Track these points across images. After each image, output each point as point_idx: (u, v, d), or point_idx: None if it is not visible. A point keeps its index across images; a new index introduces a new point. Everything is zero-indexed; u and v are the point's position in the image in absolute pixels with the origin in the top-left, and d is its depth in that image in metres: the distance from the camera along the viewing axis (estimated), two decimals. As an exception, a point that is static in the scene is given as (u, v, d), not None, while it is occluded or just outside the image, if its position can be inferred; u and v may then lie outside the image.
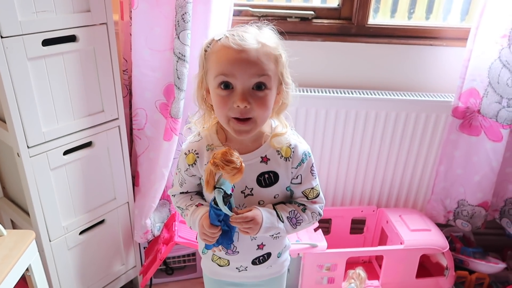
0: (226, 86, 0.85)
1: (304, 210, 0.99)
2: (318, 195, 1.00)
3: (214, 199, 0.87)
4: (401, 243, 1.62)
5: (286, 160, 0.95)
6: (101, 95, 1.37)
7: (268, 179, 0.95)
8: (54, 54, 1.22)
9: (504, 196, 1.81)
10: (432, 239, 1.63)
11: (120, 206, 1.57)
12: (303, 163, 0.96)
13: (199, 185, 1.03)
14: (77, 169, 1.39)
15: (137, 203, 1.61)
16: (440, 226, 1.78)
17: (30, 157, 1.24)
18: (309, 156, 0.97)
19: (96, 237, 1.53)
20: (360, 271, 1.64)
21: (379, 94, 1.68)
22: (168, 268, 1.88)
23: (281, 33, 0.91)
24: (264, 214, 0.92)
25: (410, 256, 1.60)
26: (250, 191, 0.95)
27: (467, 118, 1.66)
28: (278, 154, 0.95)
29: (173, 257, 1.86)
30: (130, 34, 1.44)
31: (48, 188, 1.32)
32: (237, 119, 0.87)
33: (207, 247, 0.98)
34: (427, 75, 1.74)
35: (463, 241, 1.93)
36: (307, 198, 0.99)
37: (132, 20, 1.40)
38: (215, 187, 0.85)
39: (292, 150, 0.95)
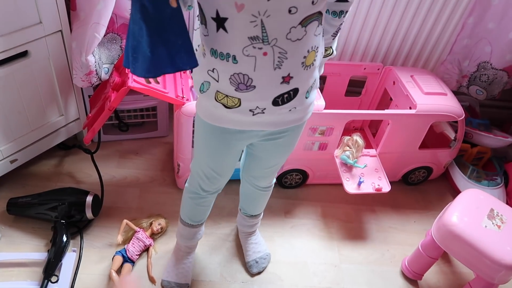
0: None
1: None
2: None
3: None
4: (410, 108, 1.34)
5: None
6: None
7: None
8: None
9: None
10: (448, 105, 1.34)
11: (49, 35, 1.13)
12: None
13: None
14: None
15: (75, 32, 1.16)
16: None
17: None
18: None
19: (17, 74, 1.13)
20: (357, 137, 1.37)
21: None
22: (122, 124, 1.53)
23: None
24: None
25: (420, 123, 1.33)
26: None
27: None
28: None
29: (129, 111, 1.50)
30: None
31: None
32: None
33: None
34: None
35: (468, 112, 1.70)
36: None
37: None
38: None
39: None
